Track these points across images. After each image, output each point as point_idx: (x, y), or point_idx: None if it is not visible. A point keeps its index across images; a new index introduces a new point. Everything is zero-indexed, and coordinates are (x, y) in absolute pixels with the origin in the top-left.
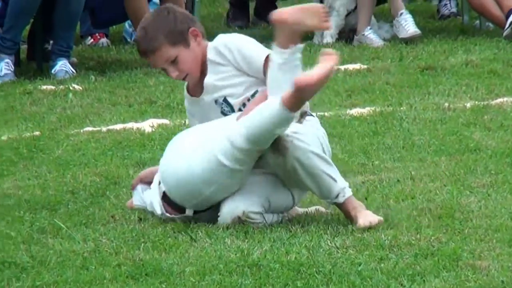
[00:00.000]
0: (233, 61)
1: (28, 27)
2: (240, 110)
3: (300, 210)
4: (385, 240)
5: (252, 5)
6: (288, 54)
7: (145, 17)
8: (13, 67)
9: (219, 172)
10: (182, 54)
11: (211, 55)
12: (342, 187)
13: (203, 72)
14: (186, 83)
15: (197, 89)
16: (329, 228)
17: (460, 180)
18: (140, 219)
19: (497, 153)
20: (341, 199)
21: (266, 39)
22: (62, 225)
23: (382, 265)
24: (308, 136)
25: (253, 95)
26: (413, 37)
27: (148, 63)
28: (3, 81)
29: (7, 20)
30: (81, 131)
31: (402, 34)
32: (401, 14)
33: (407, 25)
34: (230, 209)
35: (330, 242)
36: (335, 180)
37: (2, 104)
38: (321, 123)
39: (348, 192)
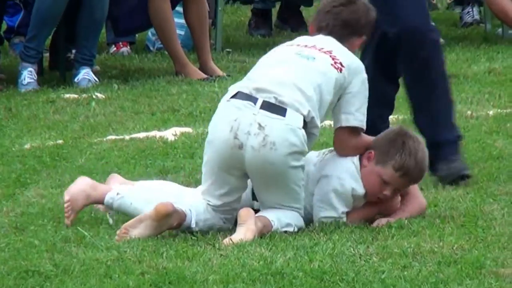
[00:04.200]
0: None
1: (50, 36)
2: None
3: None
4: (408, 248)
5: (275, 11)
6: None
7: None
8: (36, 76)
9: None
10: None
11: None
12: None
13: None
14: None
15: None
16: (353, 235)
17: (483, 188)
18: None
19: None
20: None
21: None
22: (86, 233)
23: (405, 273)
24: None
25: None
26: None
27: None
28: (26, 90)
29: (30, 29)
30: (104, 139)
31: None
32: None
33: None
34: None
35: (353, 250)
36: None
37: (25, 112)
38: None
39: None
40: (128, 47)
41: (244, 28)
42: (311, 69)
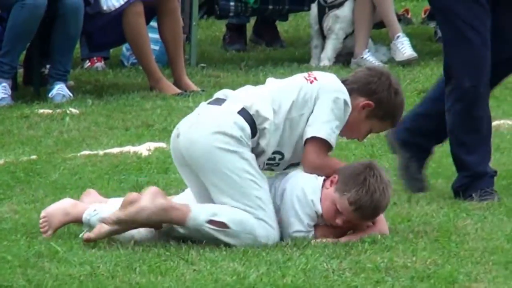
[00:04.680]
0: None
1: (24, 51)
2: None
3: None
4: (381, 263)
5: (250, 26)
6: None
7: None
8: (10, 91)
9: None
10: None
11: None
12: None
13: None
14: None
15: None
16: (326, 250)
17: (457, 203)
18: (135, 242)
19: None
20: None
21: (263, 63)
22: (59, 249)
23: None
24: None
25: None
26: (409, 60)
27: None
28: (0, 105)
29: (4, 44)
30: (78, 154)
31: (399, 57)
32: (398, 37)
33: (404, 48)
34: None
35: (326, 265)
36: None
37: None
38: None
39: None
40: (103, 62)
41: (218, 43)
42: (279, 79)
